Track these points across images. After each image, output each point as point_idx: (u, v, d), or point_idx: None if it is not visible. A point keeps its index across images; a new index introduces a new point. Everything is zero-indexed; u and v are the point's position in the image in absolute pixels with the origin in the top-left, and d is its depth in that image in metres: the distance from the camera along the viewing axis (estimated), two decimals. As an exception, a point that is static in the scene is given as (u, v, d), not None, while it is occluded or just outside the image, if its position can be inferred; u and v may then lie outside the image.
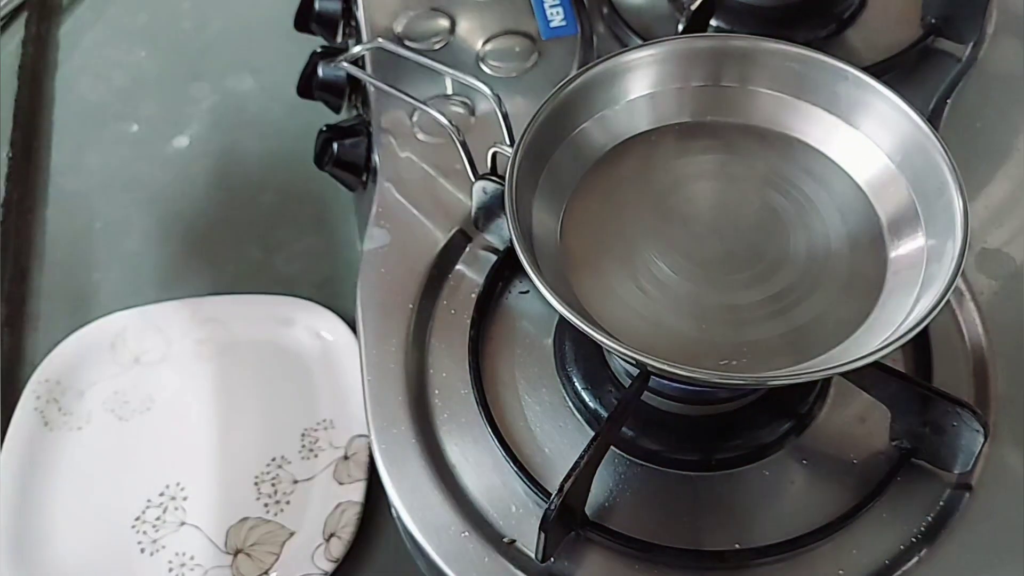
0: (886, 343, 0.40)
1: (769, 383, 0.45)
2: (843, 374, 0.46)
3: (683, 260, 0.46)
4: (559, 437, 0.49)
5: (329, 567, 0.54)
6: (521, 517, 0.47)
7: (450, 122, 0.53)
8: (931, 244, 0.45)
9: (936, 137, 0.45)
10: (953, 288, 0.41)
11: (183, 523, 0.57)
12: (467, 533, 0.46)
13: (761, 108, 0.50)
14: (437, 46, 0.64)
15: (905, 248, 0.46)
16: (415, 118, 0.61)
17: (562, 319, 0.52)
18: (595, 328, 0.41)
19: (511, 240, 0.43)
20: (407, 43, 0.64)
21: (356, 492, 0.57)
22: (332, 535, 0.55)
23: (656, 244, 0.47)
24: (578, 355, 0.51)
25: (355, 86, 0.65)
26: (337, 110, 0.68)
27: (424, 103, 0.55)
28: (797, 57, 0.49)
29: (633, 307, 0.45)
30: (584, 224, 0.47)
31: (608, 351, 0.50)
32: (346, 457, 0.59)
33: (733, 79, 0.50)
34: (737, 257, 0.47)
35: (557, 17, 0.64)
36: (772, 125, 0.50)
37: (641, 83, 0.50)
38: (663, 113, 0.51)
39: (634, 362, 0.42)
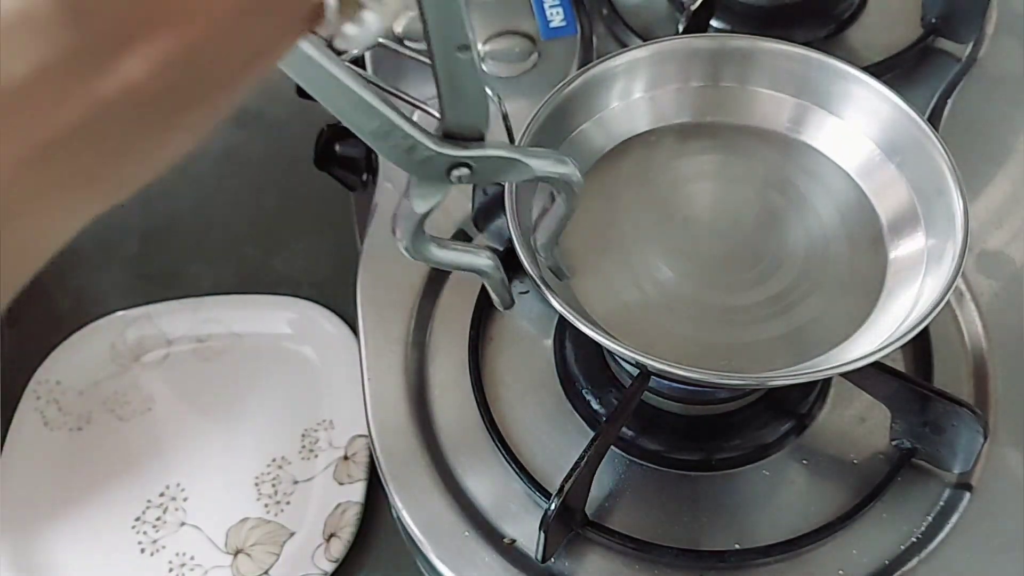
0: (886, 343, 0.40)
1: (769, 383, 0.45)
2: (843, 374, 0.46)
3: (683, 260, 0.46)
4: (559, 437, 0.49)
5: (329, 567, 0.54)
6: (521, 517, 0.47)
7: (450, 122, 0.53)
8: (931, 244, 0.45)
9: (936, 137, 0.45)
10: (953, 289, 0.41)
11: (183, 523, 0.57)
12: (467, 533, 0.46)
13: (760, 108, 0.50)
14: (437, 46, 0.64)
15: (905, 248, 0.46)
16: (415, 118, 0.60)
17: (562, 319, 0.52)
18: (595, 328, 0.41)
19: (511, 240, 0.43)
20: (407, 43, 0.64)
21: (356, 492, 0.57)
22: (332, 535, 0.55)
23: (656, 244, 0.47)
24: (578, 355, 0.51)
25: (355, 86, 0.65)
26: (337, 110, 0.68)
27: (424, 103, 0.55)
28: (796, 57, 0.49)
29: (632, 307, 0.45)
30: (584, 224, 0.47)
31: (608, 351, 0.50)
32: (346, 457, 0.58)
33: (732, 79, 0.50)
34: (737, 257, 0.47)
35: (557, 17, 0.64)
36: (771, 125, 0.50)
37: (640, 83, 0.50)
38: (662, 113, 0.51)
39: (634, 362, 0.42)
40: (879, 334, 0.43)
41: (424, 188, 0.36)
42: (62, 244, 0.27)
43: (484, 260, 0.41)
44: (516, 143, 0.46)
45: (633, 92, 0.50)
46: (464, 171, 0.35)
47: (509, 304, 0.44)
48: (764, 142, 0.50)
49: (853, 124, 0.48)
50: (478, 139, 0.35)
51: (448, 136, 0.34)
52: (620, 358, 0.49)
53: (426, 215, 0.37)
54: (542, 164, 0.37)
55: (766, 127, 0.50)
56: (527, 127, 0.46)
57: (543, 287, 0.42)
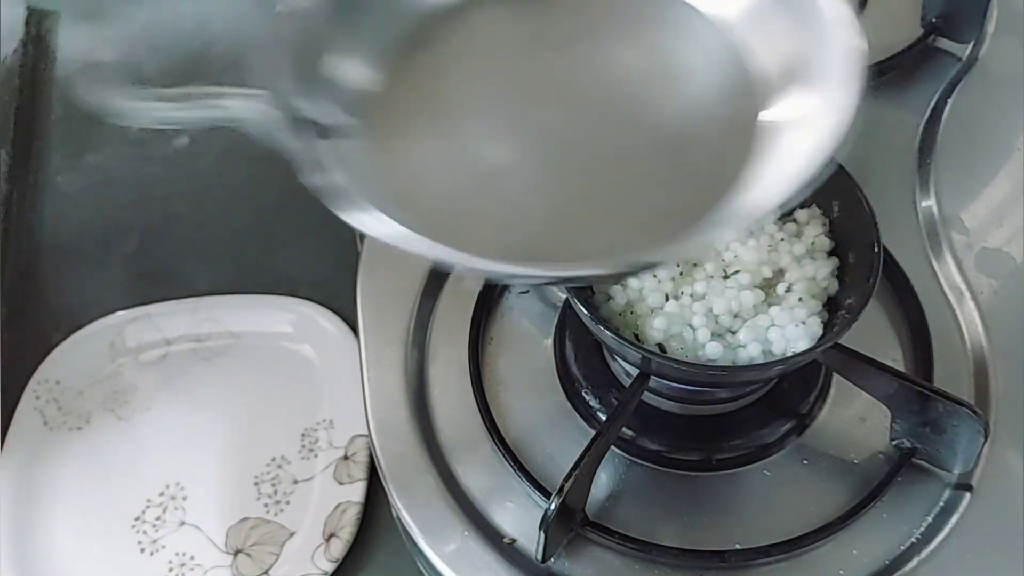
0: (782, 196, 0.35)
1: (642, 260, 0.38)
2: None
3: (524, 137, 0.40)
4: (559, 437, 0.49)
5: (329, 567, 0.54)
6: (521, 517, 0.47)
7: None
8: (815, 97, 0.39)
9: None
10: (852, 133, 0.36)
11: (183, 523, 0.57)
12: (467, 533, 0.46)
13: None
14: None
15: (784, 107, 0.40)
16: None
17: (562, 319, 0.52)
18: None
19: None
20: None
21: (356, 492, 0.57)
22: (332, 535, 0.55)
23: (495, 120, 0.41)
24: (578, 355, 0.51)
25: (355, 86, 0.65)
26: (337, 110, 0.67)
27: None
28: None
29: (460, 193, 0.39)
30: (405, 95, 0.40)
31: (608, 350, 0.50)
32: (346, 457, 0.58)
33: None
34: (594, 131, 0.41)
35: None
36: None
37: None
38: None
39: (436, 261, 0.36)
40: (761, 192, 0.37)
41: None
42: None
43: (239, 105, 0.30)
44: None
45: None
46: None
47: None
48: None
49: None
50: None
51: None
52: (618, 355, 0.49)
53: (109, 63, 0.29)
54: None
55: None
56: None
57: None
